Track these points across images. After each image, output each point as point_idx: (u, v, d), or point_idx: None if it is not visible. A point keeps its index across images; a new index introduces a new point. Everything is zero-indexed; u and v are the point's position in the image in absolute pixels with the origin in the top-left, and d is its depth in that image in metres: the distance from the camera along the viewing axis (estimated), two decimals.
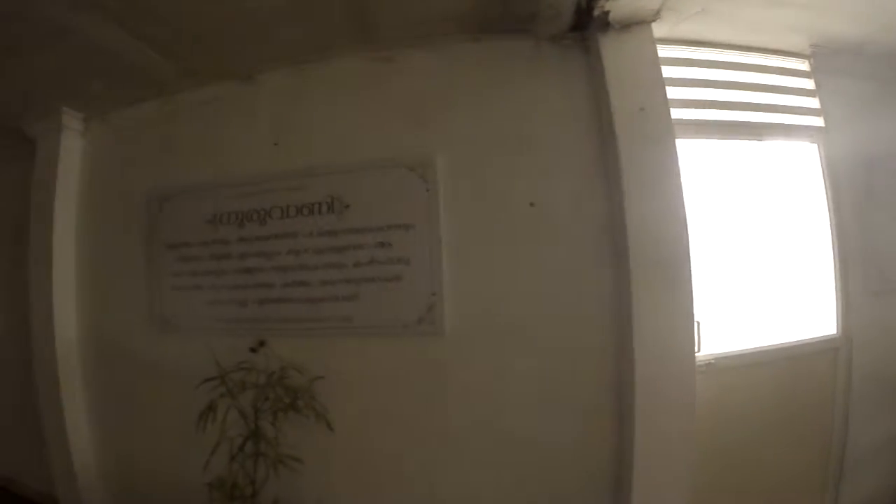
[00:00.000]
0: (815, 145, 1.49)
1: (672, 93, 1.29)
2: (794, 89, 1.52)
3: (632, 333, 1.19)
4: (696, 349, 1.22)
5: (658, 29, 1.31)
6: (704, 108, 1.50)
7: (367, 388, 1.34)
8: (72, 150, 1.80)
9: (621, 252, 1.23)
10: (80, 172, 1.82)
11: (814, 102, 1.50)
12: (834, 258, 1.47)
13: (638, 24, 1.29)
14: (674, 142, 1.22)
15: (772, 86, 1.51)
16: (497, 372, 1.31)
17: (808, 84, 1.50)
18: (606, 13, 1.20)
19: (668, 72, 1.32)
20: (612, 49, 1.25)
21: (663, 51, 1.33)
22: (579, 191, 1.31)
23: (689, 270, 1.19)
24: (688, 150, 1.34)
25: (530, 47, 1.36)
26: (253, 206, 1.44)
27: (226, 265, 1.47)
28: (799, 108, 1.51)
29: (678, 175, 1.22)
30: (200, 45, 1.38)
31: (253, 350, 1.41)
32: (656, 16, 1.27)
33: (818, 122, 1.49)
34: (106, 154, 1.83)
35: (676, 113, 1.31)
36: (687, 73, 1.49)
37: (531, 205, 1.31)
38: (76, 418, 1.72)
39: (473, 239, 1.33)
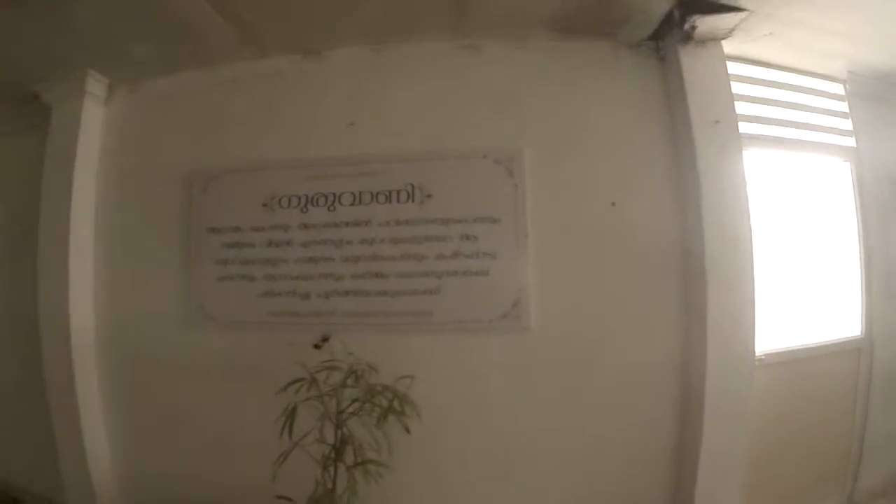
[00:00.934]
0: (847, 163, 1.70)
1: None
2: (830, 111, 1.72)
3: (706, 333, 1.30)
4: (755, 351, 1.34)
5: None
6: (749, 121, 1.65)
7: (447, 385, 1.33)
8: (93, 120, 1.69)
9: (697, 254, 1.33)
10: (102, 145, 1.72)
11: (847, 124, 1.70)
12: (860, 265, 1.68)
13: (712, 40, 1.40)
14: (742, 153, 1.34)
15: (809, 106, 1.70)
16: (577, 368, 1.38)
17: (843, 107, 1.70)
18: (694, 28, 1.31)
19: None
20: (690, 61, 1.38)
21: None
22: (654, 193, 1.43)
23: (753, 275, 1.31)
24: None
25: (609, 51, 1.47)
26: (320, 189, 1.40)
27: (285, 253, 1.40)
28: (833, 128, 1.71)
29: (746, 185, 1.34)
30: (272, 12, 1.30)
31: (317, 346, 1.37)
32: (729, 34, 1.39)
33: (850, 142, 1.70)
34: (133, 126, 1.73)
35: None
36: (737, 88, 1.64)
37: (612, 204, 1.39)
38: (92, 422, 1.62)
39: (558, 235, 1.39)
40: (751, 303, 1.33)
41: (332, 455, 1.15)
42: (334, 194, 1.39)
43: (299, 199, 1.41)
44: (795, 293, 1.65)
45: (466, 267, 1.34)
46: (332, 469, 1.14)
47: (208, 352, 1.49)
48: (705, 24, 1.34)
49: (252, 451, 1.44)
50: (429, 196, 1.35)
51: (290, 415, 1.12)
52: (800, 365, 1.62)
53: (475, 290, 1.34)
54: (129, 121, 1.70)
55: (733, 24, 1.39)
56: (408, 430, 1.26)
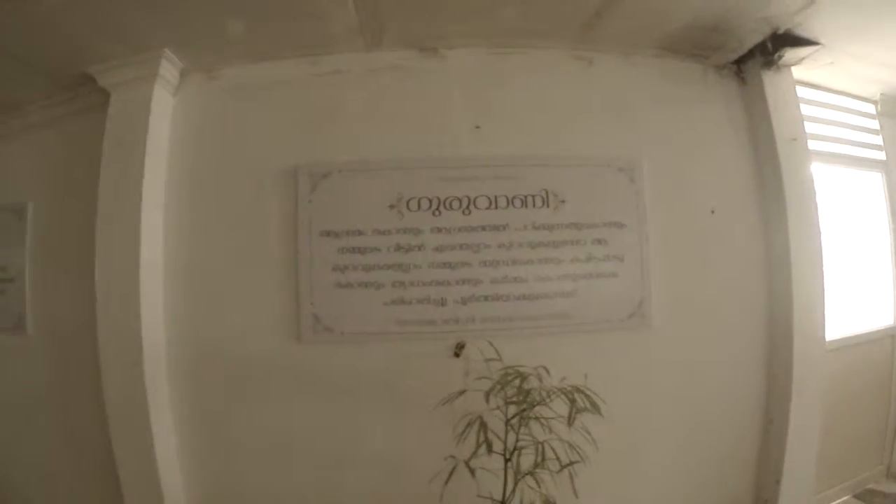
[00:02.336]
0: (879, 174, 2.07)
1: None
2: (864, 127, 2.08)
3: (791, 324, 1.60)
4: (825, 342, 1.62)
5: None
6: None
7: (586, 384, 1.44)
8: (163, 109, 1.63)
9: (783, 254, 1.61)
10: (173, 138, 1.66)
11: (878, 140, 2.08)
12: (892, 263, 2.05)
13: (787, 66, 1.67)
14: (811, 167, 1.61)
15: (847, 123, 2.05)
16: (687, 363, 1.57)
17: (875, 124, 2.08)
18: (780, 56, 1.56)
19: None
20: (772, 84, 1.67)
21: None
22: (743, 201, 1.70)
23: (823, 271, 1.61)
24: None
25: (699, 71, 1.75)
26: (454, 192, 1.46)
27: (417, 258, 1.45)
28: (866, 143, 2.08)
29: (815, 194, 1.66)
30: (410, 2, 1.32)
31: (457, 355, 1.40)
32: (800, 62, 1.67)
33: (881, 155, 2.07)
34: (213, 118, 1.69)
35: None
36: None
37: (712, 212, 1.59)
38: (166, 448, 1.54)
39: (671, 238, 1.61)
40: (822, 296, 1.61)
41: (507, 463, 1.20)
42: (468, 197, 1.46)
43: (431, 201, 1.46)
44: (838, 288, 1.98)
45: (599, 270, 1.49)
46: (507, 477, 1.19)
47: (324, 367, 1.49)
48: (789, 53, 1.60)
49: (378, 473, 1.47)
50: (562, 201, 1.48)
51: (482, 427, 1.15)
52: (844, 351, 1.94)
53: (606, 291, 1.49)
54: (206, 111, 1.67)
55: (808, 55, 1.67)
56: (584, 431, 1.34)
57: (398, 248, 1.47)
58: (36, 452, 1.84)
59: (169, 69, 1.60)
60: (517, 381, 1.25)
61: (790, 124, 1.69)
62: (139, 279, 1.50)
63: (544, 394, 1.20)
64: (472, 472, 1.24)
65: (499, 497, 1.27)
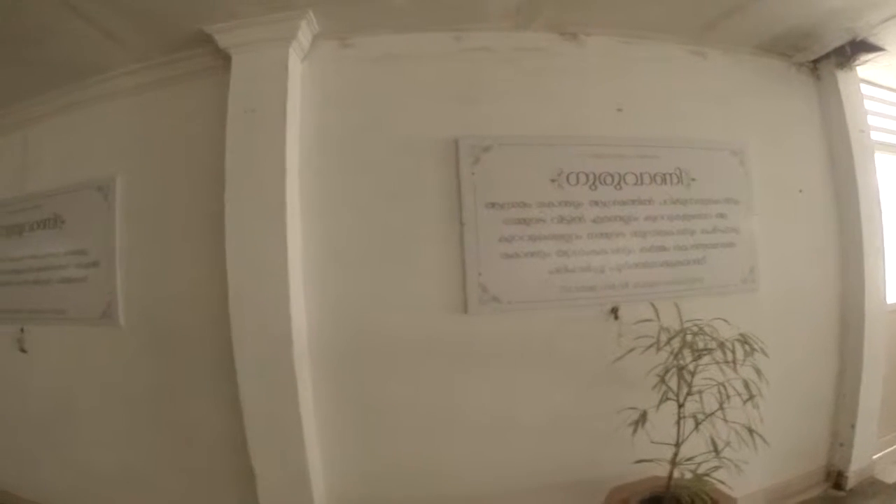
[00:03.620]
0: None
1: None
2: None
3: (864, 288, 1.98)
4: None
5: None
6: None
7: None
8: (294, 73, 1.61)
9: (853, 229, 1.98)
10: (304, 104, 1.65)
11: None
12: None
13: (856, 66, 2.05)
14: (874, 155, 2.01)
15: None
16: (784, 320, 1.87)
17: None
18: (856, 59, 1.89)
19: None
20: (844, 82, 2.02)
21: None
22: (820, 182, 2.05)
23: (884, 241, 2.05)
24: None
25: (784, 68, 2.06)
26: (606, 168, 1.65)
27: (577, 229, 1.60)
28: None
29: (878, 179, 2.09)
30: None
31: (616, 317, 1.57)
32: (865, 63, 2.03)
33: None
34: (352, 87, 1.73)
35: None
36: None
37: (800, 191, 1.91)
38: (311, 436, 1.57)
39: (772, 213, 1.88)
40: (884, 265, 2.07)
41: (680, 408, 1.38)
42: (619, 173, 1.65)
43: (587, 176, 1.61)
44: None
45: (721, 240, 1.76)
46: (680, 422, 1.38)
47: (489, 337, 1.61)
48: (862, 56, 1.96)
49: (535, 438, 1.63)
50: (693, 179, 1.73)
51: (680, 371, 1.31)
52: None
53: (726, 259, 1.78)
54: (343, 79, 1.72)
55: (873, 58, 2.06)
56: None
57: (560, 219, 1.63)
58: (152, 453, 1.77)
59: (305, 33, 1.61)
60: (688, 337, 1.45)
61: (858, 117, 2.09)
62: (287, 259, 1.49)
63: (714, 344, 1.41)
64: (642, 421, 1.41)
65: (673, 441, 1.46)
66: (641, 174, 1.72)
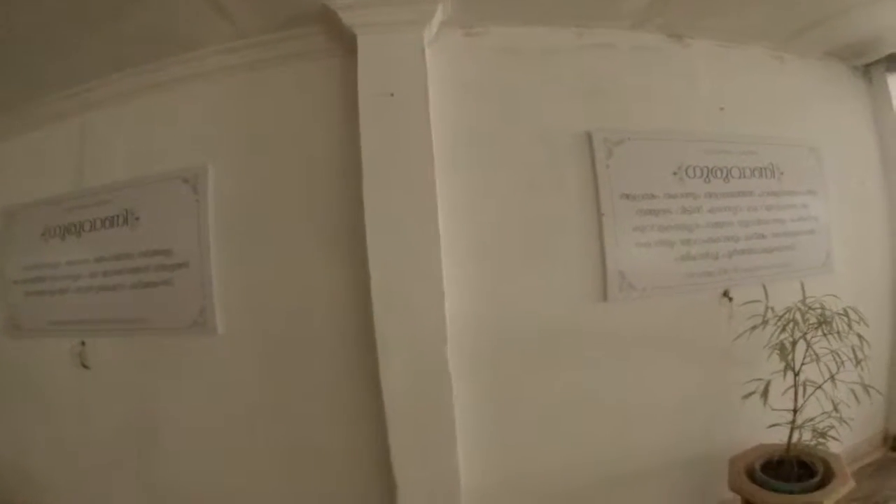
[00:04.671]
0: None
1: None
2: None
3: None
4: None
5: None
6: None
7: None
8: (419, 62, 1.60)
9: None
10: (442, 93, 1.64)
11: None
12: None
13: None
14: None
15: None
16: (854, 299, 2.10)
17: None
18: None
19: None
20: (893, 84, 2.31)
21: None
22: (874, 175, 2.39)
23: None
24: None
25: (842, 71, 2.44)
26: (716, 163, 1.83)
27: (697, 219, 1.75)
28: None
29: None
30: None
31: (730, 300, 1.71)
32: None
33: None
34: (483, 75, 1.78)
35: None
36: None
37: (862, 183, 2.20)
38: (463, 438, 1.57)
39: (839, 202, 2.18)
40: None
41: (796, 377, 1.54)
42: (726, 168, 1.83)
43: (702, 170, 1.77)
44: None
45: (806, 228, 2.01)
46: (797, 389, 1.54)
47: (624, 323, 1.72)
48: None
49: (663, 420, 1.76)
50: (782, 173, 1.94)
51: (794, 344, 1.48)
52: None
53: (808, 245, 2.01)
54: (471, 68, 1.76)
55: None
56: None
57: (683, 210, 1.80)
58: (260, 477, 1.69)
59: (438, 17, 1.62)
60: (798, 314, 1.62)
61: None
62: (440, 254, 1.51)
63: (823, 317, 1.59)
64: (765, 392, 1.57)
65: (790, 407, 1.62)
66: (743, 168, 1.95)
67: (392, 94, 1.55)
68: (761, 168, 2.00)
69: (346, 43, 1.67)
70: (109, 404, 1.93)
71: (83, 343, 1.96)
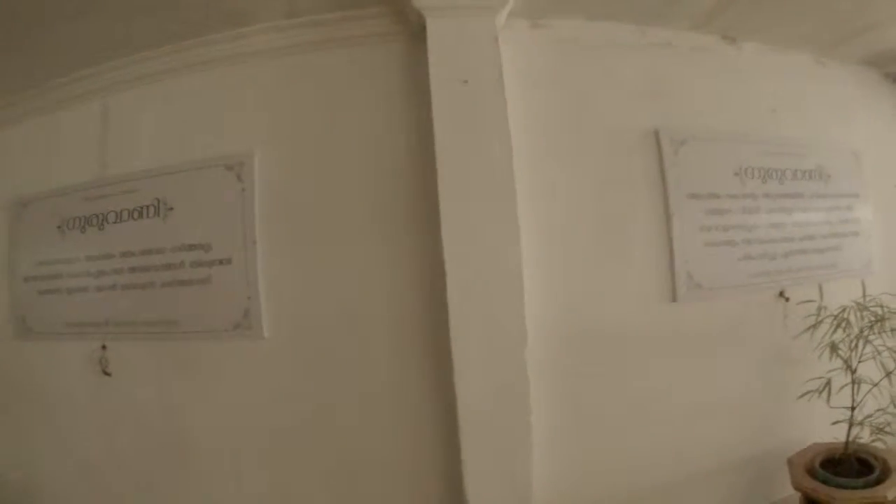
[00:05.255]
0: None
1: None
2: None
3: None
4: None
5: None
6: None
7: None
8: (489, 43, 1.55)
9: None
10: (512, 83, 1.58)
11: None
12: None
13: None
14: None
15: None
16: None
17: None
18: None
19: None
20: None
21: None
22: None
23: None
24: None
25: (877, 77, 2.50)
26: (772, 165, 1.89)
27: (756, 219, 1.77)
28: None
29: None
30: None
31: (787, 299, 1.73)
32: None
33: None
34: (549, 68, 1.79)
35: None
36: None
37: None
38: (538, 445, 1.53)
39: (878, 207, 2.20)
40: None
41: (853, 374, 1.56)
42: (780, 170, 1.88)
43: (759, 171, 1.82)
44: None
45: (850, 230, 2.05)
46: (854, 387, 1.56)
47: (691, 322, 1.73)
48: None
49: (724, 417, 1.77)
50: (829, 176, 1.97)
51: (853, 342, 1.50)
52: None
53: (853, 246, 2.07)
54: (538, 60, 1.74)
55: None
56: None
57: (744, 210, 1.84)
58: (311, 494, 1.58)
59: (509, 5, 1.58)
60: (854, 313, 1.64)
61: None
62: (521, 251, 1.47)
63: (880, 315, 1.62)
64: (828, 388, 1.58)
65: (848, 404, 1.64)
66: (795, 171, 2.01)
67: (466, 82, 1.50)
68: (810, 170, 2.07)
69: (410, 27, 1.63)
70: (134, 417, 1.80)
71: (104, 347, 1.83)
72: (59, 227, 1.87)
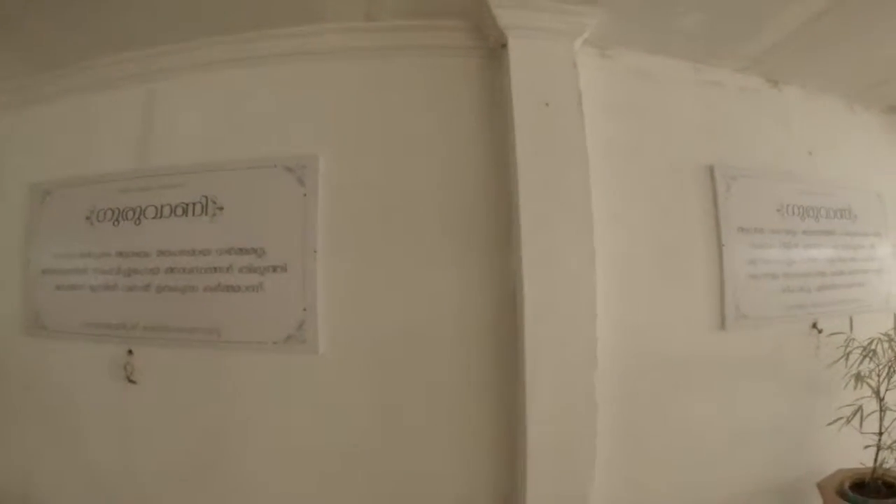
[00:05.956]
0: None
1: None
2: None
3: None
4: None
5: None
6: None
7: None
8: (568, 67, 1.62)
9: None
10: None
11: None
12: None
13: None
14: None
15: None
16: None
17: None
18: None
19: None
20: None
21: None
22: None
23: None
24: None
25: None
26: (809, 203, 2.05)
27: (794, 254, 1.87)
28: None
29: None
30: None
31: (820, 331, 1.84)
32: None
33: None
34: (618, 98, 1.82)
35: None
36: None
37: None
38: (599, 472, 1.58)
39: None
40: None
41: (882, 402, 1.67)
42: (815, 207, 2.02)
43: (798, 208, 1.94)
44: None
45: (874, 266, 2.26)
46: (882, 414, 1.67)
47: (735, 352, 1.79)
48: None
49: (760, 445, 1.84)
50: (856, 216, 2.23)
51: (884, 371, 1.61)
52: None
53: (876, 282, 2.27)
54: (609, 89, 1.79)
55: None
56: None
57: (784, 245, 2.01)
58: None
59: (586, 33, 1.61)
60: (883, 345, 1.76)
61: None
62: (595, 274, 1.51)
63: None
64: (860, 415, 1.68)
65: (876, 430, 1.74)
66: (828, 209, 2.17)
67: (547, 105, 1.57)
68: (840, 209, 2.23)
69: (487, 43, 1.69)
70: (161, 431, 1.72)
71: (130, 352, 1.75)
72: (87, 217, 1.80)
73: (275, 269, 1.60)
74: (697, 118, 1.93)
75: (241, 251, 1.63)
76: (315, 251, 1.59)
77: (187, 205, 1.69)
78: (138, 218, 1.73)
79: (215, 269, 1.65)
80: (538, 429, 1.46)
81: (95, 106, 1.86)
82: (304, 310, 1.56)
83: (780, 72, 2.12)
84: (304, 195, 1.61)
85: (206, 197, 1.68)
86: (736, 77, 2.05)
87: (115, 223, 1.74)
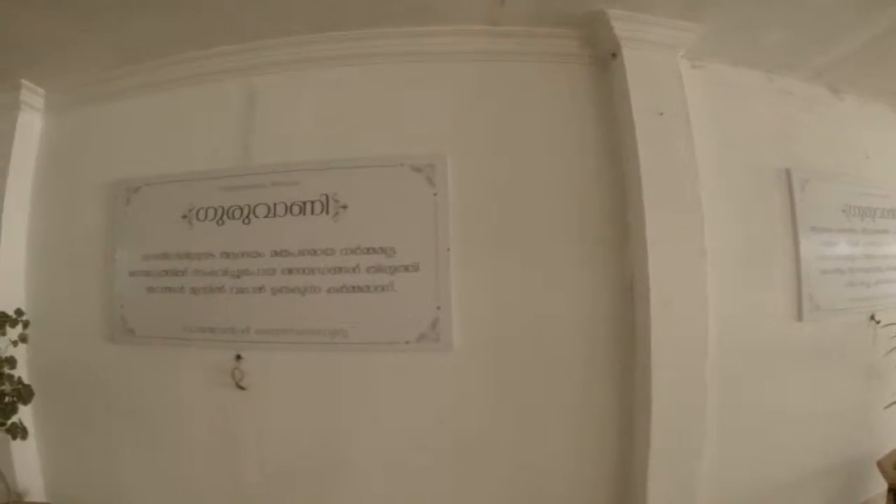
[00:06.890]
0: None
1: None
2: None
3: None
4: None
5: None
6: None
7: None
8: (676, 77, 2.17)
9: None
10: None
11: None
12: None
13: None
14: None
15: None
16: None
17: None
18: None
19: None
20: None
21: None
22: None
23: None
24: None
25: None
26: (868, 204, 2.69)
27: (856, 251, 2.55)
28: None
29: None
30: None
31: (878, 322, 2.59)
32: None
33: None
34: (707, 106, 2.35)
35: None
36: None
37: None
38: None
39: None
40: None
41: None
42: (873, 209, 2.66)
43: (859, 209, 2.58)
44: None
45: None
46: None
47: (810, 340, 2.38)
48: None
49: (808, 425, 2.47)
50: None
51: None
52: None
53: None
54: (700, 99, 2.25)
55: None
56: None
57: (847, 242, 2.55)
58: None
59: (686, 46, 2.14)
60: None
61: None
62: (706, 268, 2.02)
63: None
64: None
65: None
66: (884, 210, 2.79)
67: (662, 114, 2.03)
68: (893, 210, 2.90)
69: (598, 51, 2.12)
70: (275, 440, 1.98)
71: (239, 357, 2.01)
72: (184, 216, 2.01)
73: (406, 268, 1.90)
74: (772, 124, 2.48)
75: (369, 251, 1.91)
76: (448, 250, 1.91)
77: (304, 203, 1.95)
78: (247, 217, 1.97)
79: (340, 270, 1.92)
80: (661, 416, 1.91)
81: (189, 100, 2.07)
82: (438, 308, 1.88)
83: (841, 81, 2.72)
84: (435, 195, 1.92)
85: (327, 195, 1.95)
86: (802, 86, 2.62)
87: (220, 222, 1.98)
